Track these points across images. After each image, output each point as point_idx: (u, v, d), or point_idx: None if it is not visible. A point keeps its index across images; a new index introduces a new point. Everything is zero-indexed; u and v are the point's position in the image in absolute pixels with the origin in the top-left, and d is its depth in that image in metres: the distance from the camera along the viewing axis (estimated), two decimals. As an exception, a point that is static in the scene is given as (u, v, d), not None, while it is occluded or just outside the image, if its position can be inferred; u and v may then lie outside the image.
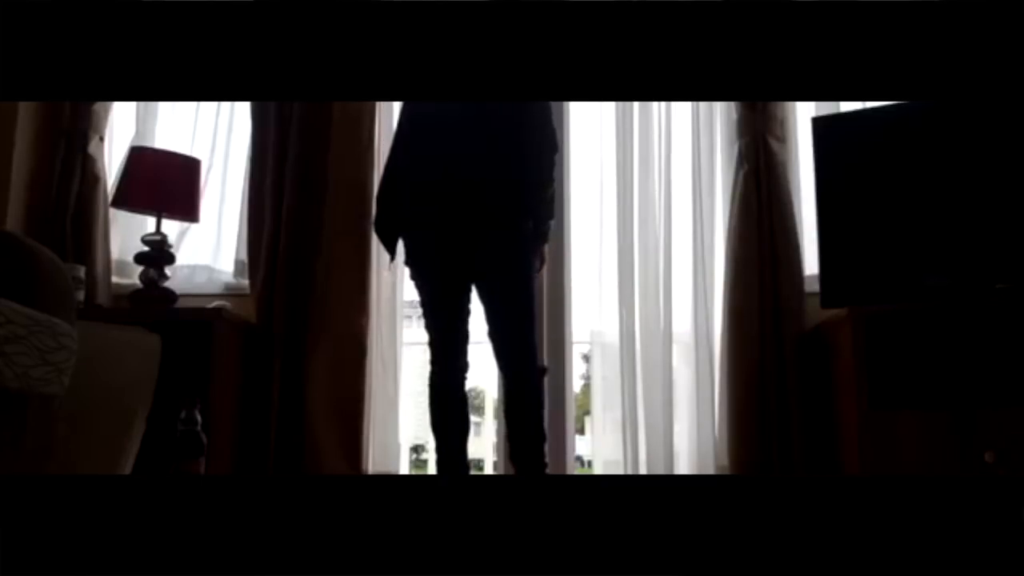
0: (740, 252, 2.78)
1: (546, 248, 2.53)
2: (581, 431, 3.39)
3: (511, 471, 2.76)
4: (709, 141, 2.97)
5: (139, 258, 2.88)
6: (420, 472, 4.19)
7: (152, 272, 2.85)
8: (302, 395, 2.78)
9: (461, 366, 2.40)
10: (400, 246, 2.43)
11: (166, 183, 2.86)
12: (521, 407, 2.34)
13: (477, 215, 2.28)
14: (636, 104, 2.97)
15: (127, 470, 1.83)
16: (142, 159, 2.89)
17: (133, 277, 2.99)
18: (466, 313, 2.41)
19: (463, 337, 2.40)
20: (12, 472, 1.33)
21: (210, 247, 3.17)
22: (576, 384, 3.22)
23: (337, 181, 2.91)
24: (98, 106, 3.01)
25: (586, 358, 3.31)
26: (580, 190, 3.07)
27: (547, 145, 2.39)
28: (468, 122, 2.32)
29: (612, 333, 2.91)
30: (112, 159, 3.15)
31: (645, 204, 2.93)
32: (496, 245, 2.30)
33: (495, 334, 2.36)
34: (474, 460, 2.52)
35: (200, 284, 3.10)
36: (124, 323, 2.23)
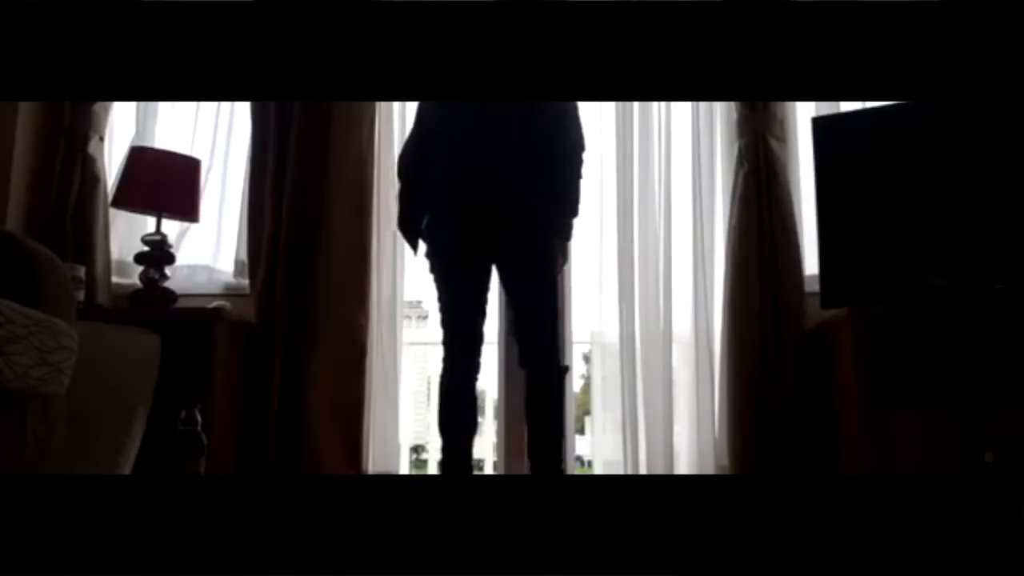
0: (740, 252, 2.78)
1: (569, 245, 2.54)
2: (581, 431, 3.39)
3: (512, 470, 2.76)
4: (709, 141, 2.97)
5: (139, 258, 2.88)
6: (420, 472, 4.19)
7: (152, 272, 2.85)
8: (302, 395, 2.78)
9: (475, 366, 2.40)
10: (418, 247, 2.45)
11: (166, 183, 2.86)
12: (544, 404, 2.35)
13: (505, 212, 2.29)
14: (636, 104, 2.97)
15: (127, 470, 1.83)
16: (142, 159, 2.89)
17: (133, 277, 2.99)
18: (484, 313, 2.42)
19: (480, 337, 2.41)
20: (12, 472, 1.33)
21: (210, 247, 3.16)
22: (576, 384, 3.22)
23: (337, 181, 2.91)
24: (98, 106, 3.01)
25: (586, 358, 3.31)
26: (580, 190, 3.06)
27: (578, 144, 2.44)
28: (498, 120, 2.33)
29: (612, 333, 2.91)
30: (112, 159, 3.14)
31: (645, 204, 2.93)
32: (524, 242, 2.32)
33: (519, 330, 2.37)
34: (474, 460, 2.52)
35: (200, 284, 3.10)
36: (124, 323, 2.22)
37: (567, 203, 2.42)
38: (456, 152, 2.34)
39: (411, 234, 2.47)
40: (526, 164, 2.31)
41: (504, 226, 2.30)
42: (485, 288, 2.40)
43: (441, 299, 2.41)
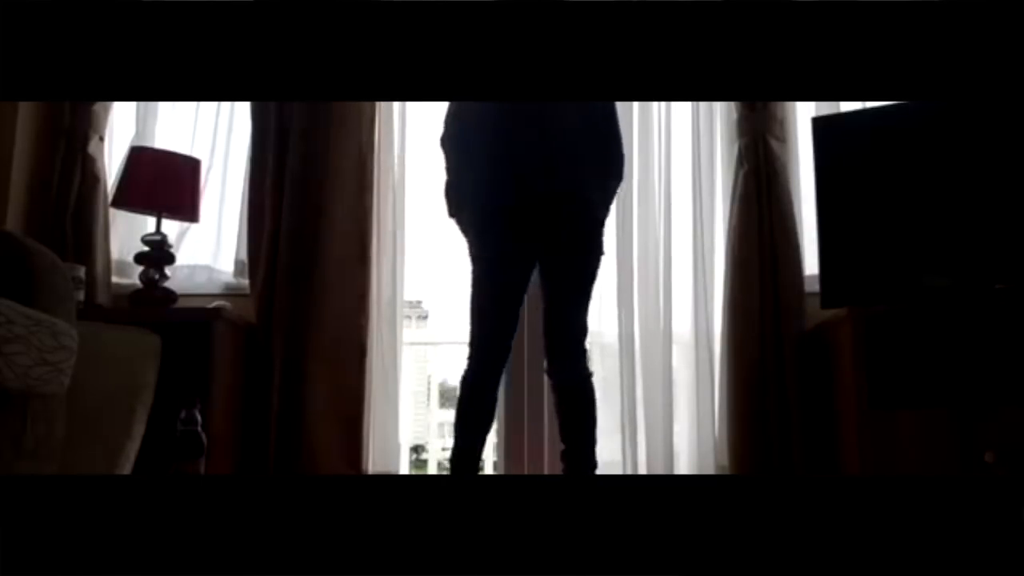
0: (740, 252, 2.78)
1: None
2: (581, 431, 3.38)
3: (512, 470, 2.76)
4: (709, 141, 2.97)
5: (139, 258, 2.88)
6: (420, 472, 4.18)
7: (152, 272, 2.85)
8: (302, 395, 2.78)
9: (500, 371, 2.40)
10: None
11: (166, 183, 2.86)
12: (584, 405, 2.35)
13: (569, 208, 2.30)
14: (636, 104, 2.97)
15: (127, 470, 1.83)
16: (142, 159, 2.89)
17: (133, 277, 2.98)
18: (519, 314, 2.41)
19: (509, 348, 2.39)
20: (12, 472, 1.33)
21: (210, 247, 3.16)
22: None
23: (337, 181, 2.91)
24: (98, 106, 3.01)
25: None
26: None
27: (621, 147, 2.48)
28: (556, 117, 2.32)
29: (612, 333, 2.91)
30: (112, 159, 3.14)
31: (645, 204, 2.93)
32: (584, 238, 2.34)
33: (559, 327, 2.36)
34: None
35: (200, 284, 3.10)
36: (124, 323, 2.22)
37: (608, 204, 2.45)
38: (511, 145, 2.32)
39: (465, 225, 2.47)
40: (589, 162, 2.33)
41: (568, 222, 2.30)
42: (526, 286, 2.39)
43: (481, 293, 2.37)
